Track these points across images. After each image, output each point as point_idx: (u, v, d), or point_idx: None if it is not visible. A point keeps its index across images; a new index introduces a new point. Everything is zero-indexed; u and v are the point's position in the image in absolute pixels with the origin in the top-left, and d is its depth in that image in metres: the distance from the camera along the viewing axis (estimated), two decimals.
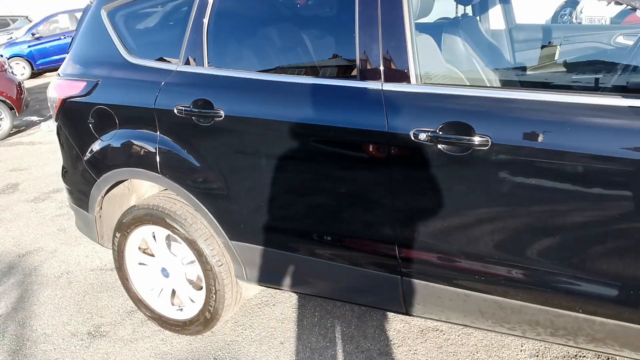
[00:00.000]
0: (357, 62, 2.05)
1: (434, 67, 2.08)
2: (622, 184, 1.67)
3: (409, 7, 1.97)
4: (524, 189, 1.81)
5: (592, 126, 1.70)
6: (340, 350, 2.62)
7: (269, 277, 2.51)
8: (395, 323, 2.79)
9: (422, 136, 1.91)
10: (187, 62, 2.45)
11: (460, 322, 2.16)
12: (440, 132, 1.89)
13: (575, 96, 1.75)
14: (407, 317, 2.59)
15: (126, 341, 2.88)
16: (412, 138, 1.93)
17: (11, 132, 7.98)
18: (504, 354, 2.51)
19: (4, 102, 7.70)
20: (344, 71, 2.14)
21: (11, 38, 13.63)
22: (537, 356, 2.47)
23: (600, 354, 2.25)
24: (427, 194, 1.99)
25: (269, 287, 2.60)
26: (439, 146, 1.90)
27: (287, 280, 2.48)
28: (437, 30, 2.19)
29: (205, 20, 2.40)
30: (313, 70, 2.25)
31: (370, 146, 2.02)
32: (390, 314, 2.83)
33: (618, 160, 1.65)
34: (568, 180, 1.74)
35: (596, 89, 2.12)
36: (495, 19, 2.94)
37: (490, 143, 1.81)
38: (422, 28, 2.11)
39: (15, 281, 3.63)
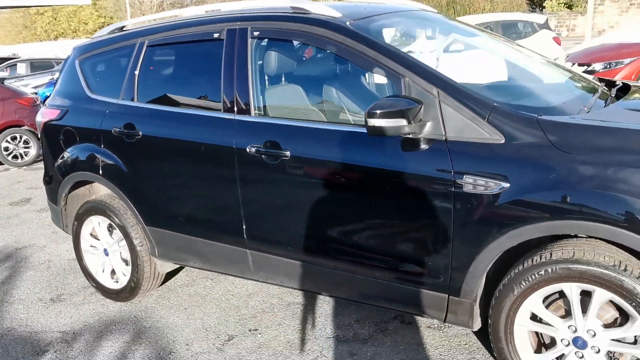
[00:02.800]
0: (222, 100, 3.05)
1: (266, 104, 3.05)
2: (371, 186, 2.59)
3: (252, 69, 2.97)
4: (309, 185, 2.75)
5: (346, 145, 2.64)
6: (231, 316, 3.51)
7: (168, 253, 3.47)
8: (240, 286, 3.66)
9: (252, 150, 2.88)
10: (124, 98, 3.50)
11: (291, 286, 3.06)
12: (262, 147, 2.85)
13: (337, 126, 2.71)
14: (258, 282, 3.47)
15: (76, 305, 3.84)
16: (247, 151, 2.90)
17: (37, 158, 9.22)
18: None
19: (32, 132, 8.99)
20: (214, 106, 3.13)
21: (52, 78, 15.29)
22: None
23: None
24: (257, 190, 2.94)
25: (172, 262, 3.54)
26: (262, 156, 2.86)
27: (181, 256, 3.43)
28: (277, 80, 3.16)
29: (136, 72, 3.46)
30: (196, 105, 3.26)
31: (225, 156, 3.00)
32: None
33: (361, 168, 2.58)
34: (332, 181, 2.69)
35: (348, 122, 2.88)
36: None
37: (289, 155, 2.77)
38: (271, 80, 3.09)
39: (9, 265, 4.65)
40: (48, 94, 12.77)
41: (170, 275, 4.06)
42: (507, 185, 2.30)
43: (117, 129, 3.42)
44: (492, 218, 2.35)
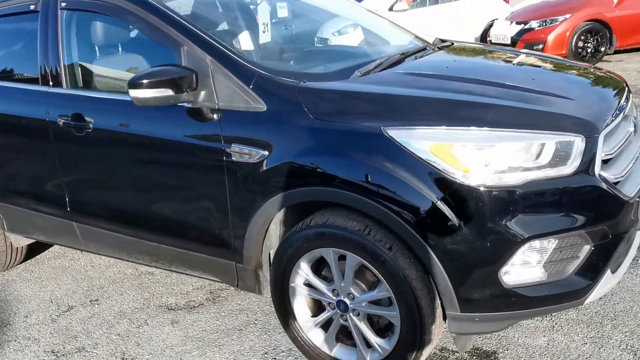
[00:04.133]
0: (39, 73, 3.02)
1: (77, 76, 3.02)
2: (159, 158, 2.59)
3: (63, 41, 2.94)
4: (111, 157, 2.77)
5: (136, 115, 2.63)
6: (82, 287, 3.56)
7: (15, 226, 3.49)
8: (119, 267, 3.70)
9: (61, 122, 2.87)
10: None
11: (118, 257, 3.10)
12: (70, 119, 2.84)
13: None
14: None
15: None
16: (58, 123, 2.89)
17: None
18: None
19: None
20: (35, 79, 3.10)
21: None
22: None
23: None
24: (72, 163, 2.95)
25: (22, 236, 3.57)
26: (71, 129, 2.85)
27: (26, 229, 3.46)
28: (87, 52, 3.13)
29: None
30: (21, 78, 3.23)
31: (42, 129, 2.98)
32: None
33: (149, 139, 2.59)
34: (127, 153, 2.70)
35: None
36: None
37: (92, 127, 2.76)
38: (81, 51, 3.06)
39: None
40: None
41: (45, 247, 4.09)
42: (266, 153, 2.30)
43: None
44: (256, 186, 2.36)
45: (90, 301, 3.37)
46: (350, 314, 2.33)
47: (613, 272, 2.20)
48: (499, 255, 2.00)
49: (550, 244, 2.03)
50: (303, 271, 2.39)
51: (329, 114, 2.21)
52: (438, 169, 2.00)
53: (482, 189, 1.98)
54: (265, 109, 2.32)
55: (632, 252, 2.35)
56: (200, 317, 3.06)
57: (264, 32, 3.17)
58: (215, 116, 2.42)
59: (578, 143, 2.06)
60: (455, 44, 3.29)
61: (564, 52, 8.57)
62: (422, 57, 2.86)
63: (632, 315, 2.69)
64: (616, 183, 2.17)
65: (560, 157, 2.04)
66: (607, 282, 2.18)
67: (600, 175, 2.07)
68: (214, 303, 3.19)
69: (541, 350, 2.53)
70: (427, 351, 2.21)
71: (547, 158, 2.02)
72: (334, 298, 2.35)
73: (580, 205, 2.06)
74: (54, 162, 3.02)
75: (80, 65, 3.02)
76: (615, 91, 2.52)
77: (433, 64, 2.74)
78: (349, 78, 2.45)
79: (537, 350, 2.53)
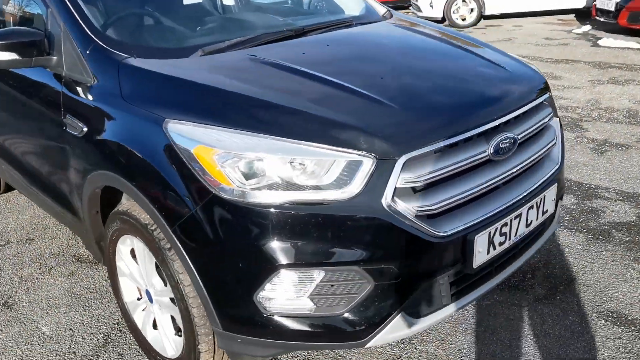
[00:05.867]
0: None
1: None
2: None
3: None
4: None
5: None
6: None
7: None
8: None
9: None
10: None
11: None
12: None
13: None
14: None
15: None
16: None
17: None
18: None
19: None
20: None
21: None
22: None
23: None
24: None
25: None
26: None
27: None
28: None
29: None
30: None
31: None
32: None
33: None
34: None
35: None
36: None
37: None
38: None
39: None
40: None
41: None
42: (86, 129, 2.22)
43: None
44: (80, 160, 2.31)
45: (27, 240, 3.59)
46: (155, 305, 2.24)
47: (415, 317, 1.88)
48: (253, 279, 1.79)
49: (317, 274, 1.77)
50: (122, 253, 2.32)
51: (133, 96, 2.07)
52: (198, 174, 1.80)
53: (238, 204, 1.75)
54: (92, 82, 2.22)
55: (465, 299, 2.00)
56: (94, 274, 3.13)
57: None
58: (59, 85, 2.37)
59: (365, 164, 1.74)
60: (393, 17, 2.92)
61: None
62: (317, 34, 2.56)
63: None
64: (430, 216, 1.82)
65: (339, 179, 1.74)
66: (401, 327, 1.86)
67: (390, 206, 1.74)
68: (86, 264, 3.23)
69: None
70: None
71: (322, 178, 1.74)
72: (144, 287, 2.27)
73: (356, 236, 1.75)
74: None
75: None
76: (491, 99, 2.08)
77: (300, 46, 2.42)
78: (189, 57, 2.26)
79: None
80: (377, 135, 1.78)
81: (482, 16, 11.15)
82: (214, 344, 2.03)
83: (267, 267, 1.76)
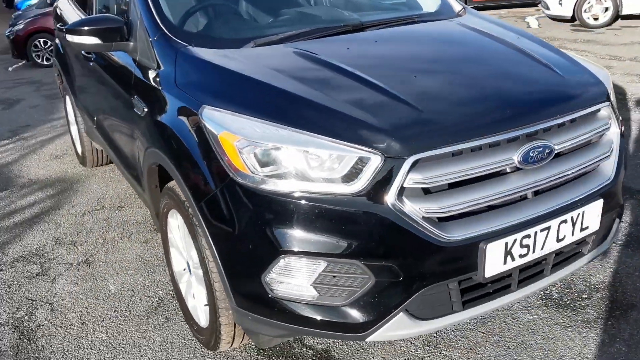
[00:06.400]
0: None
1: None
2: None
3: None
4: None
5: None
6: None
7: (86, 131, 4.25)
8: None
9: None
10: None
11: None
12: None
13: None
14: None
15: None
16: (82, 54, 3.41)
17: None
18: None
19: None
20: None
21: None
22: None
23: None
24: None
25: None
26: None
27: (89, 133, 4.18)
28: None
29: None
30: None
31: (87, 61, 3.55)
32: None
33: None
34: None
35: None
36: None
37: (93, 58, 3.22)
38: None
39: None
40: None
41: None
42: (146, 110, 2.45)
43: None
44: (142, 137, 2.53)
45: (117, 207, 3.99)
46: (193, 276, 2.42)
47: (420, 319, 1.88)
48: (261, 261, 1.88)
49: (319, 264, 1.82)
50: (171, 226, 2.53)
51: (183, 82, 2.24)
52: (221, 158, 1.92)
53: (251, 190, 1.85)
54: (155, 67, 2.43)
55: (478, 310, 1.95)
56: None
57: None
58: (133, 68, 2.62)
59: (373, 161, 1.76)
60: (464, 16, 2.86)
61: None
62: (375, 30, 2.59)
63: None
64: (441, 219, 1.80)
65: (348, 173, 1.77)
66: (404, 326, 1.87)
67: (394, 205, 1.75)
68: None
69: None
70: (225, 332, 2.21)
71: (332, 171, 1.79)
72: (186, 259, 2.46)
73: (358, 231, 1.78)
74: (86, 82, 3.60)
75: None
76: (528, 104, 1.99)
77: (349, 42, 2.44)
78: (241, 48, 2.39)
79: None
80: (389, 134, 1.78)
81: (618, 16, 10.25)
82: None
83: (273, 252, 1.84)
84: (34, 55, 10.41)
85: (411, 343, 2.43)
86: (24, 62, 10.70)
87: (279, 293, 1.91)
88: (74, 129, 4.77)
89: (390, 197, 1.75)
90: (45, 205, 4.10)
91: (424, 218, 1.77)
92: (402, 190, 1.76)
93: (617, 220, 2.31)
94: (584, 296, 2.67)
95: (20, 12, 12.16)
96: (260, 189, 1.84)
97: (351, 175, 1.77)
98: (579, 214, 2.01)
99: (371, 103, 1.93)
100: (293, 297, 1.90)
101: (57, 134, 5.83)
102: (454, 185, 1.83)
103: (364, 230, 1.78)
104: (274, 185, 1.82)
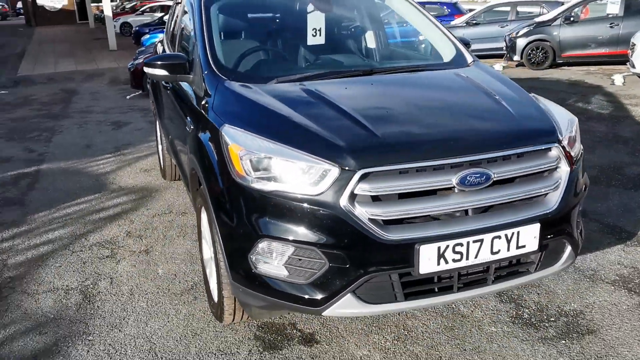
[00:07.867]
0: None
1: None
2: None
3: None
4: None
5: None
6: None
7: (167, 148, 5.08)
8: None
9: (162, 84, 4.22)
10: None
11: None
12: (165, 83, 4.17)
13: None
14: None
15: None
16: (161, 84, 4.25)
17: None
18: None
19: None
20: None
21: None
22: None
23: None
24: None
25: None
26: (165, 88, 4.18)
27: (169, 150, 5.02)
28: None
29: None
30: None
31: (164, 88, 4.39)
32: None
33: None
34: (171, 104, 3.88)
35: None
36: None
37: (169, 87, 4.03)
38: None
39: None
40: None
41: None
42: (192, 127, 3.14)
43: None
44: (187, 148, 3.22)
45: (182, 212, 4.73)
46: (213, 263, 3.03)
47: (367, 302, 2.34)
48: (246, 242, 2.45)
49: (287, 248, 2.36)
50: (202, 220, 3.17)
51: (217, 107, 2.89)
52: (229, 164, 2.53)
53: (245, 188, 2.43)
54: (203, 95, 3.12)
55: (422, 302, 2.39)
56: None
57: (313, 35, 3.79)
58: (190, 95, 3.34)
59: (333, 172, 2.29)
60: (469, 67, 3.32)
61: None
62: (381, 75, 3.14)
63: None
64: (386, 222, 2.28)
65: (315, 180, 2.31)
66: (352, 306, 2.34)
67: (345, 206, 2.26)
68: None
69: None
70: (227, 305, 2.78)
71: (303, 177, 2.33)
72: (212, 248, 3.08)
73: (318, 224, 2.30)
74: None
75: None
76: (471, 136, 2.45)
77: (351, 83, 2.99)
78: (266, 83, 3.02)
79: None
80: (347, 151, 2.32)
81: None
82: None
83: (256, 236, 2.41)
84: (148, 86, 11.81)
85: (382, 336, 2.86)
86: (140, 92, 12.14)
87: (260, 270, 2.46)
88: (160, 147, 5.64)
89: (343, 201, 2.27)
90: (126, 207, 4.93)
91: (369, 219, 2.26)
92: (354, 196, 2.27)
93: (569, 247, 2.64)
94: (551, 319, 2.97)
95: (144, 49, 13.80)
96: (251, 187, 2.42)
97: (317, 181, 2.31)
98: (513, 233, 2.40)
99: (340, 127, 2.47)
100: (270, 274, 2.44)
101: (150, 152, 6.78)
102: (403, 196, 2.31)
103: (322, 224, 2.30)
104: (261, 185, 2.40)
